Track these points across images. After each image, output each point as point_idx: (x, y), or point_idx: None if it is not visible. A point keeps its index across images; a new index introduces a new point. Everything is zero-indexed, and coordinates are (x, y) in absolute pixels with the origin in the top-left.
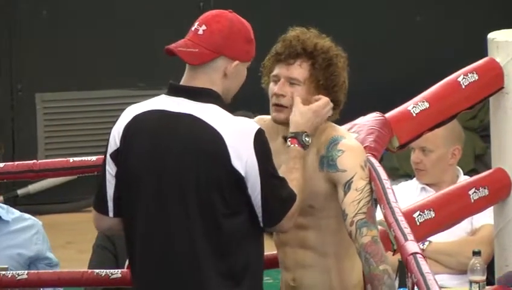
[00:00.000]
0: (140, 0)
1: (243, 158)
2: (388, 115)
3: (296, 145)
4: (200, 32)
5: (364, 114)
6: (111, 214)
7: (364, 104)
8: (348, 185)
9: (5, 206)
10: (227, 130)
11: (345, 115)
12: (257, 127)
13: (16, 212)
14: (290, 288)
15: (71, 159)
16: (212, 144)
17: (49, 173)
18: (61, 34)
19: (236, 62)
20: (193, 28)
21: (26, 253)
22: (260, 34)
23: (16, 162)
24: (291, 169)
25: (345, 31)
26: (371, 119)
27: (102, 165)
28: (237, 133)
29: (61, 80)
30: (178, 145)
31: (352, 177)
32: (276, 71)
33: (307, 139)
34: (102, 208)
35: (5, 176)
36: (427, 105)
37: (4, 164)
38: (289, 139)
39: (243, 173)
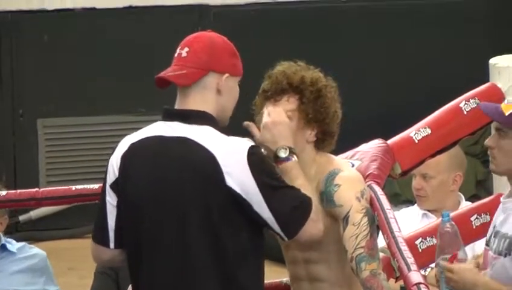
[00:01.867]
0: (141, 26)
1: (238, 177)
2: (390, 141)
3: (280, 164)
4: (184, 54)
5: (366, 141)
6: (112, 245)
7: (366, 130)
8: (345, 220)
9: (8, 239)
10: (220, 151)
11: (347, 141)
12: (250, 144)
13: (20, 243)
14: None
15: (73, 187)
16: (206, 165)
17: (52, 201)
18: (63, 59)
19: (227, 75)
20: (176, 54)
21: (31, 284)
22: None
23: (19, 190)
24: (291, 180)
25: (347, 61)
26: (373, 146)
27: (101, 196)
28: (230, 153)
29: (63, 106)
30: (175, 169)
31: (349, 212)
32: (266, 108)
33: (282, 153)
34: (102, 240)
35: (8, 204)
36: (429, 131)
37: (6, 191)
38: (274, 163)
39: (239, 192)
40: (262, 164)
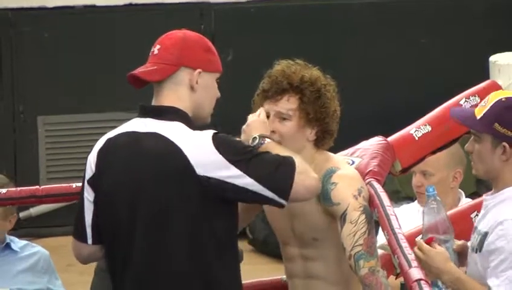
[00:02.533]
0: (141, 22)
1: (209, 164)
2: (391, 138)
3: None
4: (156, 52)
5: (367, 138)
6: (90, 241)
7: (366, 127)
8: (343, 218)
9: (12, 237)
10: (187, 144)
11: (348, 138)
12: (212, 132)
13: (23, 242)
14: None
15: (74, 185)
16: (176, 159)
17: (52, 198)
18: (63, 56)
19: (199, 70)
20: (150, 52)
21: (33, 283)
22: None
23: (19, 188)
24: (274, 149)
25: (347, 57)
26: (374, 143)
27: (80, 193)
28: (196, 145)
29: (63, 103)
30: (147, 164)
31: (346, 210)
32: (265, 107)
33: (254, 141)
34: (81, 236)
35: (8, 202)
36: (429, 128)
37: (7, 189)
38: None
39: (217, 177)
40: (228, 143)
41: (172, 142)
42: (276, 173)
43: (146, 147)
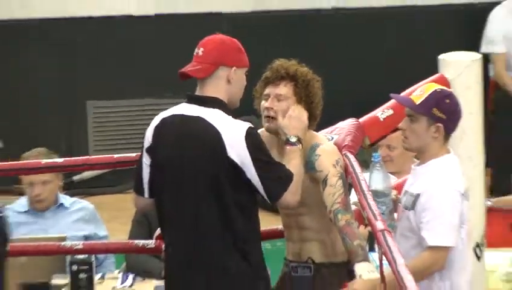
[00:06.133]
0: (168, 31)
1: (237, 151)
2: (361, 120)
3: (288, 146)
4: (200, 53)
5: (343, 119)
6: (146, 195)
7: (343, 112)
8: (324, 182)
9: (63, 195)
10: (224, 129)
11: (328, 120)
12: (248, 125)
13: (72, 199)
14: (296, 255)
15: (115, 156)
16: (213, 140)
17: (100, 166)
18: (108, 58)
19: (234, 68)
20: (195, 53)
21: (82, 230)
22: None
23: (74, 158)
24: (289, 159)
25: (337, 61)
26: (348, 123)
27: (140, 157)
28: (232, 131)
29: (108, 91)
30: (190, 141)
31: (327, 176)
32: (266, 91)
33: (292, 139)
34: (140, 191)
35: (67, 169)
36: (391, 112)
37: (64, 159)
38: (284, 144)
39: (238, 162)
40: (256, 142)
41: (212, 126)
42: (276, 183)
43: (191, 127)
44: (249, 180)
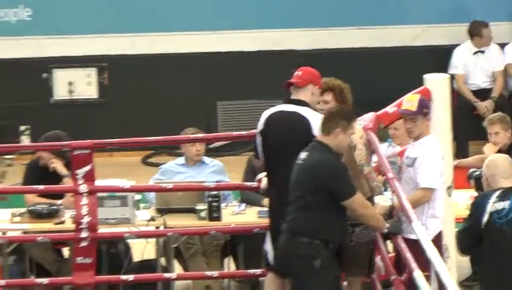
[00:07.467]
0: (265, 64)
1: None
2: (378, 113)
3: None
4: (299, 74)
5: (367, 112)
6: (260, 159)
7: (367, 108)
8: (354, 147)
9: (205, 157)
10: (311, 117)
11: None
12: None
13: (209, 159)
14: None
15: (234, 133)
16: (304, 125)
17: (227, 139)
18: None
19: (317, 86)
20: (295, 74)
21: (215, 177)
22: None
23: (214, 134)
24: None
25: (352, 72)
26: (370, 115)
27: (255, 138)
28: (315, 119)
29: (231, 94)
30: (290, 128)
31: (356, 144)
32: (320, 98)
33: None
34: (257, 156)
35: (216, 139)
36: (396, 108)
37: (205, 134)
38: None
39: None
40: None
41: (304, 117)
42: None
43: (290, 119)
44: None
